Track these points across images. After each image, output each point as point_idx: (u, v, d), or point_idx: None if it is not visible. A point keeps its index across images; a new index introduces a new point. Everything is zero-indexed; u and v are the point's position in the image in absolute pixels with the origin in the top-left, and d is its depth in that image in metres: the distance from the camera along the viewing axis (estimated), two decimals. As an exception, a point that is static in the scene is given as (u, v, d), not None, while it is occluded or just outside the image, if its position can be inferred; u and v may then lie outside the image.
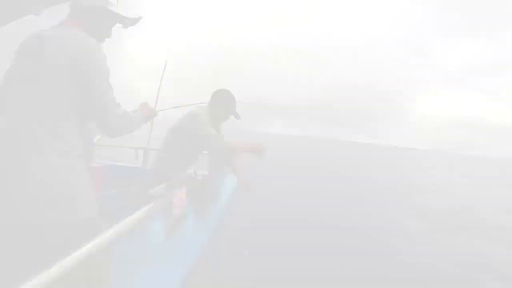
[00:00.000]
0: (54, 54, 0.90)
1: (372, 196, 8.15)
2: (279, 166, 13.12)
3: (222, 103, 2.02)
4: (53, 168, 0.90)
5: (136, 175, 3.55)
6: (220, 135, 1.92)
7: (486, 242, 4.94)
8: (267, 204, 6.16)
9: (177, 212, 1.26)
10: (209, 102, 2.05)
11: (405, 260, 3.92)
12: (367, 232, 4.98)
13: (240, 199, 2.44)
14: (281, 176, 10.45)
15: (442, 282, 3.35)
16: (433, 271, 3.60)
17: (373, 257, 3.92)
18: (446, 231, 5.48)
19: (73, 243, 0.90)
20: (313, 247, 4.01)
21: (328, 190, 8.75)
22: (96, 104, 0.96)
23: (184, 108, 1.97)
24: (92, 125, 1.18)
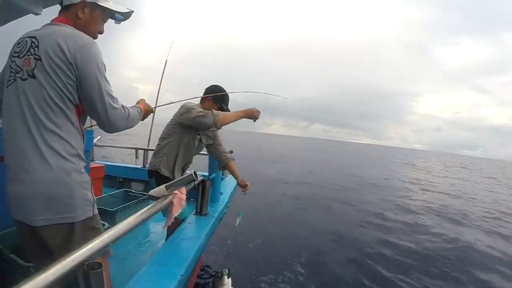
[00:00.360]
0: (49, 52, 0.89)
1: (369, 194, 8.18)
2: (279, 166, 13.16)
3: (212, 96, 2.02)
4: (52, 168, 0.90)
5: (136, 175, 3.56)
6: (215, 113, 1.90)
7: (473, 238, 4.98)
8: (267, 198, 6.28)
9: (176, 212, 1.26)
10: (201, 97, 2.06)
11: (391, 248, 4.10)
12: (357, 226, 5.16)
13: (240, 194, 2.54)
14: (281, 173, 10.55)
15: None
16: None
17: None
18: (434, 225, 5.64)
19: (73, 243, 0.90)
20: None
21: (327, 185, 8.81)
22: (94, 98, 0.95)
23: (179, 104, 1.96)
24: (90, 125, 1.17)
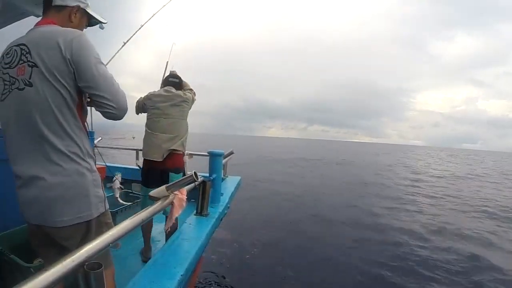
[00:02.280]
0: (45, 54, 0.87)
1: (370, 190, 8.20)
2: (278, 165, 13.19)
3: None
4: (67, 172, 0.91)
5: (137, 176, 3.56)
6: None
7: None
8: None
9: (177, 213, 1.26)
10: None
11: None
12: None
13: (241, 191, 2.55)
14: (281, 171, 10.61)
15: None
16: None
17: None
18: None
19: (91, 240, 0.90)
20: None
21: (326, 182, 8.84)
22: (98, 83, 0.92)
23: None
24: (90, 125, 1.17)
